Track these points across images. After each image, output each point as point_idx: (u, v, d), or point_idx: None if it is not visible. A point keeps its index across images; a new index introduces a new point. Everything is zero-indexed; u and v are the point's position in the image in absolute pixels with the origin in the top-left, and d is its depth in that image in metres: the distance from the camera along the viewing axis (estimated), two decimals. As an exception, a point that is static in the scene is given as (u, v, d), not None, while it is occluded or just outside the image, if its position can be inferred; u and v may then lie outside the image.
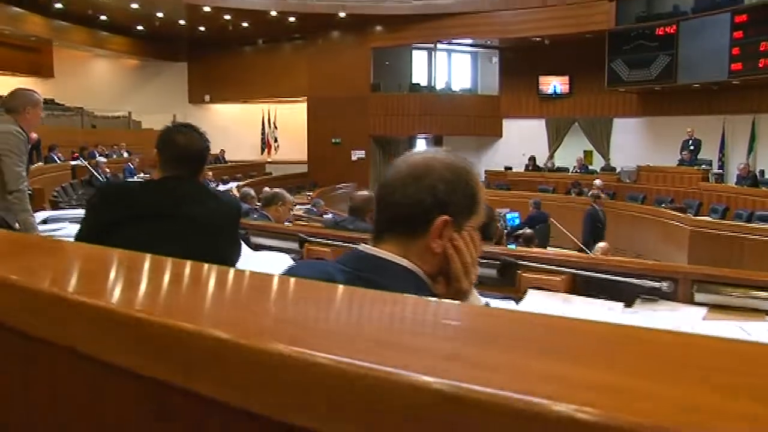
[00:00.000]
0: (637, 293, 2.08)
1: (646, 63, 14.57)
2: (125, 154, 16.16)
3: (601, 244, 7.54)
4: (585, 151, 17.54)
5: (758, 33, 12.53)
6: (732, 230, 9.43)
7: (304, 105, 19.85)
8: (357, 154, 19.25)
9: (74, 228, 3.70)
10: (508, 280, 2.25)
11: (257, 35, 20.05)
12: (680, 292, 2.03)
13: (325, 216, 5.53)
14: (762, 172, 13.03)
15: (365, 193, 4.18)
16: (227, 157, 18.96)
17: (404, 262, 1.09)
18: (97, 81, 18.94)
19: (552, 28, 16.11)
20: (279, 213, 4.61)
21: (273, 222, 4.41)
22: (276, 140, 21.09)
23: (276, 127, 21.05)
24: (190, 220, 2.01)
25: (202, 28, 18.77)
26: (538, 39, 16.80)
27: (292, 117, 20.51)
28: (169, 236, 1.94)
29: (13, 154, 3.57)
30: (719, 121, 14.48)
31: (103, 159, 13.48)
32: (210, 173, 15.00)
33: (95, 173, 7.09)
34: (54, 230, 3.50)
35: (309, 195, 15.30)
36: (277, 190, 4.71)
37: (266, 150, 21.12)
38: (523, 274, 2.23)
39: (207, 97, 21.14)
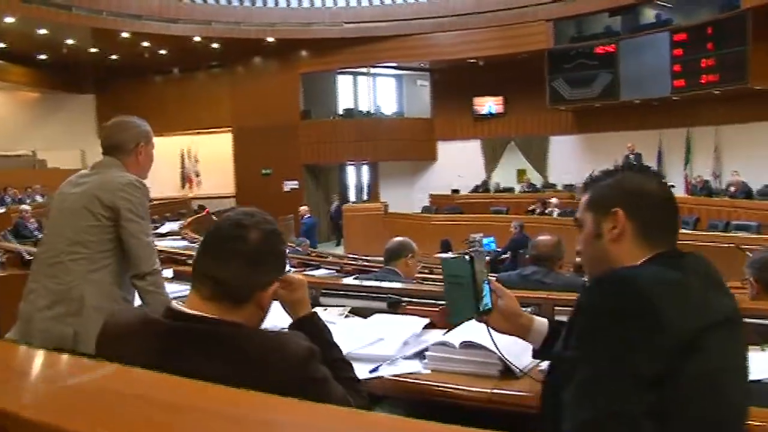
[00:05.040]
0: None
1: (588, 81, 14.86)
2: (39, 198, 14.32)
3: None
4: (518, 170, 17.66)
5: (698, 50, 13.10)
6: (729, 242, 9.54)
7: (229, 136, 18.67)
8: (289, 185, 18.33)
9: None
10: None
11: (173, 63, 18.64)
12: None
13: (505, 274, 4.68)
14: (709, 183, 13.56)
15: (548, 237, 3.55)
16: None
17: None
18: (-8, 116, 16.83)
19: (487, 50, 16.10)
20: (409, 267, 3.67)
21: (403, 279, 3.61)
22: (198, 174, 19.65)
23: (197, 161, 19.64)
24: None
25: (113, 57, 17.16)
26: (472, 60, 16.78)
27: (215, 149, 19.20)
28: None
29: (139, 218, 2.37)
30: (655, 135, 15.00)
31: (26, 207, 11.80)
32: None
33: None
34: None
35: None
36: (400, 238, 3.84)
37: (187, 185, 19.63)
38: None
39: (118, 131, 19.30)
